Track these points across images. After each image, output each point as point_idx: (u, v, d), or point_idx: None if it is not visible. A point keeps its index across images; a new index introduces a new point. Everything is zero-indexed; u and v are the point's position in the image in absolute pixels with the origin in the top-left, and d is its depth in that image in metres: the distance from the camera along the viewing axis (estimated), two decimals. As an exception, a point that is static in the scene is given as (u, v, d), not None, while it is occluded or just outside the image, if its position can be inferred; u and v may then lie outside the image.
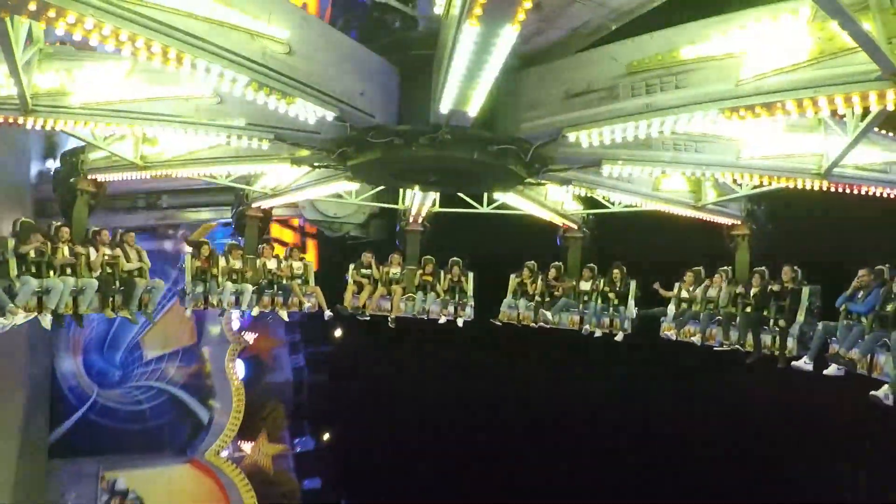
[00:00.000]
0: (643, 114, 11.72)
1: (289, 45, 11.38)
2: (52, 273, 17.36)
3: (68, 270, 17.79)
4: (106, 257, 18.83)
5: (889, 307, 15.17)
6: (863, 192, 15.18)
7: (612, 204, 21.38)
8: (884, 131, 14.28)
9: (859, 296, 15.90)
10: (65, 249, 17.85)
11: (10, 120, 13.97)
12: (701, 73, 11.07)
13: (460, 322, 23.26)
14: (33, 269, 17.08)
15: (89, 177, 19.53)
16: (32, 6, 8.67)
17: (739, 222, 20.72)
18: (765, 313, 18.67)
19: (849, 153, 13.76)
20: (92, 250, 18.58)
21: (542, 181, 17.16)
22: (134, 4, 9.49)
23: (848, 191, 15.23)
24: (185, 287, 21.44)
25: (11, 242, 16.99)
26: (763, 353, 18.70)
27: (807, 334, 17.45)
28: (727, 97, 10.80)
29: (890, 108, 9.92)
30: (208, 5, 10.24)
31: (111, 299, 18.76)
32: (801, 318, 17.95)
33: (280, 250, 24.15)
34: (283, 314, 23.09)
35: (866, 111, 11.21)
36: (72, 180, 19.47)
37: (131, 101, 13.91)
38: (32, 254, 17.09)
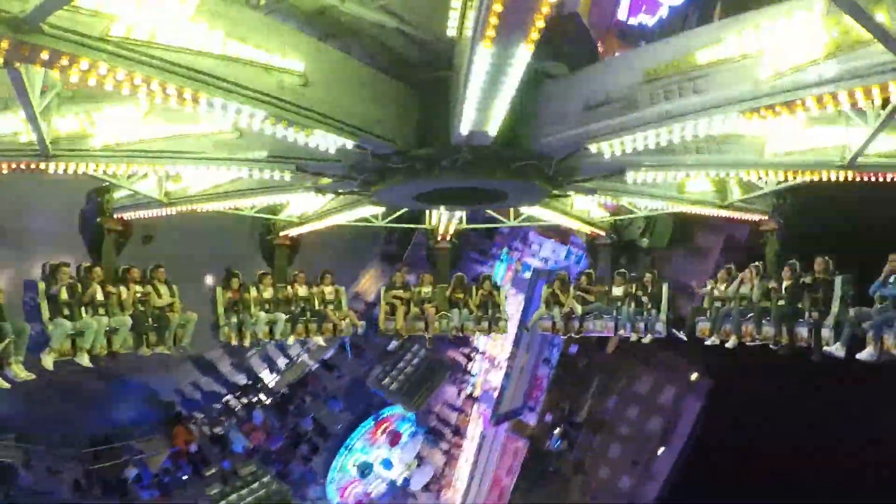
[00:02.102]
0: (663, 121, 11.72)
1: (304, 77, 11.42)
2: (83, 313, 17.27)
3: (101, 310, 17.72)
4: (138, 295, 18.80)
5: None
6: (888, 179, 15.11)
7: (638, 209, 21.35)
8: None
9: (892, 280, 15.81)
10: (97, 289, 17.80)
11: (32, 166, 13.96)
12: (719, 76, 10.99)
13: (494, 337, 23.21)
14: (65, 312, 16.98)
15: (115, 216, 19.62)
16: (45, 55, 8.72)
17: (767, 217, 20.62)
18: (798, 306, 18.50)
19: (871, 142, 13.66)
20: (123, 289, 18.57)
21: (567, 192, 17.14)
22: (146, 47, 9.53)
23: (873, 179, 15.14)
24: (216, 320, 21.26)
25: (42, 286, 16.91)
26: (799, 345, 18.58)
27: (842, 324, 17.29)
28: (747, 98, 10.74)
29: (909, 97, 9.89)
30: (221, 42, 10.29)
31: (145, 337, 18.75)
32: (835, 308, 17.76)
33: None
34: (319, 340, 23.09)
35: (886, 101, 11.10)
36: (98, 220, 19.51)
37: (151, 140, 13.97)
38: (64, 295, 17.03)
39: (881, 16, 8.92)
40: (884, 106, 12.10)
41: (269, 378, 40.82)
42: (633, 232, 23.57)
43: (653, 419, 61.55)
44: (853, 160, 14.15)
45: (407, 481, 47.72)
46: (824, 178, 14.97)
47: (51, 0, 8.08)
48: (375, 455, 45.71)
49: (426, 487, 49.08)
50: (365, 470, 45.13)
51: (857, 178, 14.84)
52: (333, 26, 12.88)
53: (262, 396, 40.09)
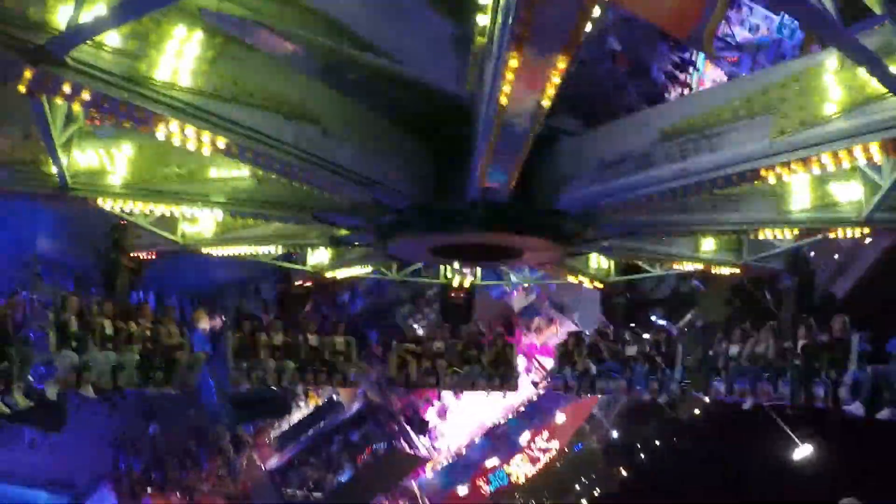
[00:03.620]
0: (679, 179, 11.72)
1: (323, 127, 11.47)
2: (91, 347, 17.00)
3: (109, 345, 17.48)
4: (147, 332, 18.49)
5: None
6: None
7: (652, 268, 21.35)
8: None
9: None
10: (107, 324, 17.61)
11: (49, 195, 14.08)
12: (734, 133, 11.02)
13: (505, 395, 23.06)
14: (73, 344, 16.79)
15: (131, 254, 19.69)
16: (67, 88, 8.79)
17: (782, 274, 20.56)
18: (815, 365, 18.34)
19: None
20: (133, 324, 18.30)
21: (583, 251, 17.13)
22: (168, 88, 9.61)
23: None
24: (227, 364, 21.06)
25: (52, 315, 16.87)
26: (816, 405, 18.41)
27: (860, 382, 17.16)
28: (762, 156, 10.76)
29: (926, 149, 9.88)
30: (242, 88, 10.37)
31: (152, 375, 18.40)
32: (852, 366, 17.63)
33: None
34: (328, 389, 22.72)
35: (902, 154, 11.11)
36: (113, 256, 19.59)
37: (170, 181, 14.14)
38: (74, 327, 16.90)
39: (893, 68, 8.95)
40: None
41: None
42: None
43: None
44: (870, 216, 14.12)
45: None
46: (840, 235, 14.95)
47: (75, 33, 8.18)
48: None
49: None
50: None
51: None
52: (352, 80, 12.93)
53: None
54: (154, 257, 20.02)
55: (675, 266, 20.80)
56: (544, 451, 45.57)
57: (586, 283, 22.79)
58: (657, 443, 47.62)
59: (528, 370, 41.41)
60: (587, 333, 23.63)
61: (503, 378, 22.89)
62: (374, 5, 11.51)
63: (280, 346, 21.40)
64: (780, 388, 18.81)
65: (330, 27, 11.42)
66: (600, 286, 23.10)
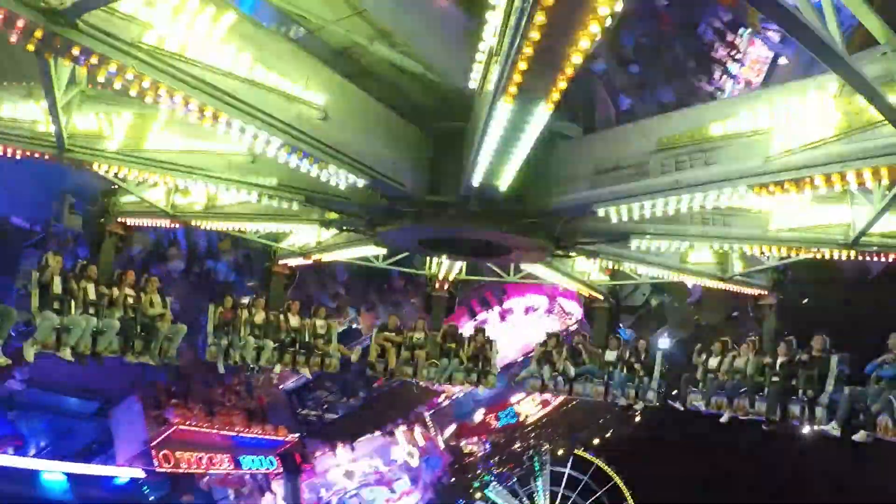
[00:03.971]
0: (672, 190, 11.81)
1: (324, 111, 11.50)
2: (73, 310, 17.18)
3: (91, 310, 17.63)
4: (130, 299, 18.71)
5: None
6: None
7: (639, 276, 21.44)
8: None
9: (888, 361, 15.88)
10: (90, 288, 17.75)
11: (46, 156, 14.22)
12: (730, 149, 11.11)
13: (482, 390, 23.16)
14: (56, 305, 16.92)
15: (119, 220, 19.70)
16: (76, 51, 8.82)
17: (766, 292, 20.70)
18: (793, 383, 18.48)
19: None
20: (115, 290, 18.50)
21: (570, 254, 17.21)
22: (175, 60, 9.64)
23: (875, 259, 15.29)
24: (206, 338, 21.18)
25: (35, 275, 16.94)
26: (791, 422, 18.55)
27: (836, 402, 17.31)
28: (756, 174, 10.84)
29: (918, 178, 10.00)
30: (248, 65, 10.38)
31: (132, 344, 18.60)
32: (829, 387, 17.77)
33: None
34: (306, 372, 22.87)
35: (893, 181, 11.21)
36: (101, 221, 19.63)
37: (166, 151, 14.18)
38: (57, 288, 16.99)
39: (893, 98, 9.06)
40: (890, 187, 12.23)
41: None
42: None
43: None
44: (857, 239, 14.27)
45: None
46: (827, 256, 15.09)
47: None
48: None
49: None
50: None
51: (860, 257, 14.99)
52: (358, 66, 12.97)
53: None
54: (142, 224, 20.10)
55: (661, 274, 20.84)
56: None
57: (570, 286, 22.88)
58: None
59: (549, 311, 41.79)
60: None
61: (481, 373, 22.94)
62: None
63: (260, 325, 21.47)
64: (757, 403, 18.96)
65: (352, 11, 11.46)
66: (584, 290, 23.22)
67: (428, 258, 23.15)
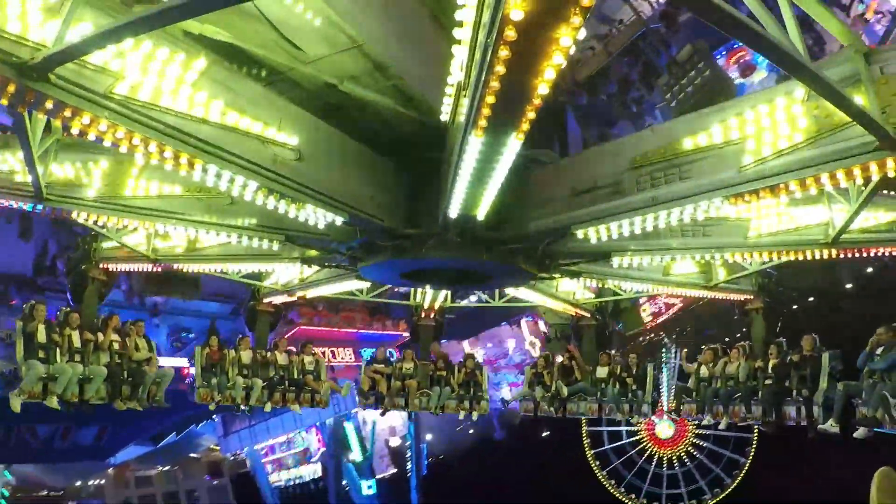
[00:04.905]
0: (649, 207, 11.82)
1: (299, 151, 11.51)
2: (59, 358, 17.01)
3: (77, 357, 17.49)
4: (116, 345, 18.56)
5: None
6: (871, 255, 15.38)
7: (623, 291, 21.49)
8: (885, 192, 14.38)
9: (878, 353, 15.90)
10: (74, 335, 17.60)
11: (25, 206, 14.22)
12: (703, 162, 11.16)
13: (475, 416, 23.07)
14: (41, 354, 16.73)
15: (101, 265, 19.60)
16: (49, 104, 8.74)
17: (752, 297, 20.75)
18: (786, 384, 18.50)
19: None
20: (101, 335, 18.33)
21: (553, 275, 17.20)
22: (148, 109, 9.58)
23: (857, 255, 15.37)
24: (194, 380, 20.97)
25: (20, 324, 16.80)
26: (788, 423, 18.57)
27: (831, 399, 17.33)
28: (731, 184, 10.88)
29: (891, 174, 10.03)
30: (220, 111, 10.36)
31: (120, 389, 18.35)
32: (823, 384, 17.80)
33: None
34: (297, 408, 22.60)
35: (867, 179, 11.28)
36: (83, 267, 19.51)
37: (144, 197, 14.15)
38: (42, 337, 16.82)
39: (860, 99, 9.14)
40: (865, 184, 12.28)
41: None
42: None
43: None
44: (837, 238, 14.35)
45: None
46: (808, 257, 15.14)
47: (62, 52, 8.15)
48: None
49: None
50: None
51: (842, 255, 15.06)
52: (329, 104, 12.96)
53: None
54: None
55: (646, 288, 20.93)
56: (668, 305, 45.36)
57: (556, 306, 22.89)
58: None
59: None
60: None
61: (473, 399, 22.87)
62: (392, 25, 11.60)
63: (248, 364, 21.39)
64: (753, 408, 18.99)
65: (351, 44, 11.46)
66: (570, 309, 23.22)
67: (413, 289, 23.08)
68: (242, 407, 21.34)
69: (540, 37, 6.65)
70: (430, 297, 22.97)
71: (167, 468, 59.23)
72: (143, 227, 15.63)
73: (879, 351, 15.98)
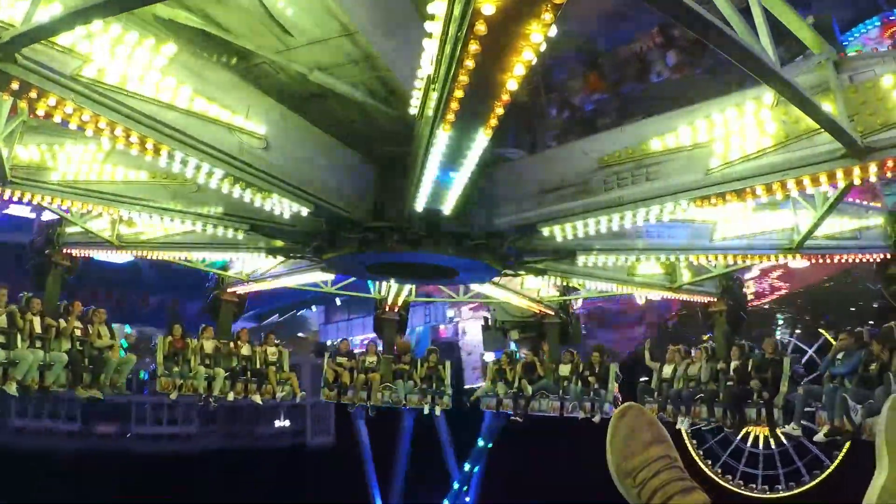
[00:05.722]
0: (616, 206, 11.82)
1: (266, 140, 11.36)
2: (20, 343, 16.89)
3: (38, 343, 17.37)
4: (78, 331, 18.46)
5: (872, 367, 15.31)
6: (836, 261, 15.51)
7: (588, 290, 21.58)
8: (850, 199, 14.52)
9: (839, 357, 16.03)
10: (35, 321, 17.47)
11: None
12: (670, 164, 11.17)
13: (437, 411, 23.08)
14: (1, 339, 16.67)
15: (64, 251, 19.43)
16: (15, 85, 8.57)
17: (716, 299, 20.84)
18: (748, 386, 18.60)
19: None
20: (63, 321, 18.21)
21: (519, 272, 17.21)
22: (115, 92, 9.41)
23: (821, 261, 15.49)
24: (156, 368, 20.83)
25: None
26: (748, 425, 18.73)
27: (791, 403, 17.47)
28: (697, 187, 10.91)
29: (856, 182, 10.12)
30: (188, 97, 10.21)
31: (81, 376, 18.28)
32: (784, 388, 17.96)
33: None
34: (257, 399, 22.50)
35: (834, 185, 11.36)
36: (47, 252, 19.35)
37: (109, 182, 13.97)
38: (3, 322, 16.74)
39: (828, 106, 9.18)
40: (831, 191, 12.37)
41: None
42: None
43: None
44: (801, 243, 14.45)
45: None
46: (773, 262, 15.24)
47: (29, 32, 7.98)
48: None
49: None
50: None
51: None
52: (304, 94, 12.85)
53: None
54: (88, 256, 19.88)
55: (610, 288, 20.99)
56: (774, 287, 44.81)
57: (521, 303, 22.91)
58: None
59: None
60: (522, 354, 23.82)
61: (435, 394, 22.90)
62: (383, 14, 11.52)
63: (211, 354, 21.30)
64: (715, 409, 19.10)
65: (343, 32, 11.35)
66: (534, 307, 23.24)
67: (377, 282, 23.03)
68: (204, 396, 21.20)
69: (510, 32, 6.63)
70: (394, 291, 22.91)
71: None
72: (108, 212, 15.46)
73: (840, 356, 16.12)
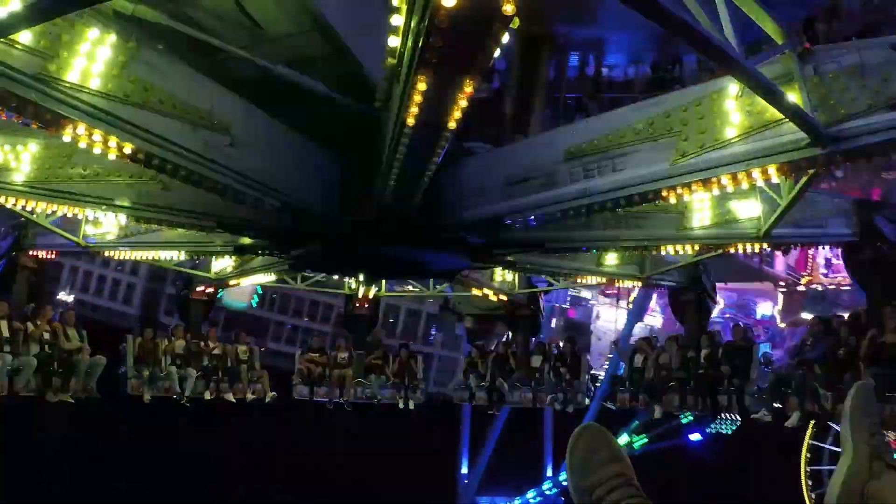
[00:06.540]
0: (583, 198, 11.81)
1: (231, 137, 11.27)
2: None
3: (6, 348, 17.13)
4: (46, 335, 18.16)
5: (840, 352, 15.44)
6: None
7: (557, 280, 21.59)
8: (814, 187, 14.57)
9: (809, 343, 16.16)
10: (3, 325, 17.23)
11: None
12: (637, 155, 11.16)
13: (412, 405, 23.07)
14: None
15: (31, 252, 19.24)
16: None
17: (685, 288, 20.93)
18: (720, 372, 18.69)
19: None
20: (31, 325, 17.99)
21: (487, 265, 17.21)
22: (77, 91, 9.29)
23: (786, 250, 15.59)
24: (126, 370, 20.59)
25: None
26: (720, 412, 18.85)
27: (762, 390, 17.61)
28: (664, 177, 10.91)
29: (821, 171, 10.19)
30: (152, 94, 10.09)
31: (51, 381, 18.08)
32: (754, 374, 18.11)
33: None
34: (230, 398, 22.23)
35: (798, 176, 11.43)
36: (13, 254, 19.16)
37: (74, 182, 13.76)
38: None
39: (793, 96, 9.21)
40: (796, 180, 12.41)
41: None
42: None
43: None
44: (768, 232, 14.49)
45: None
46: (740, 250, 15.31)
47: None
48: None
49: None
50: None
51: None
52: (273, 90, 12.76)
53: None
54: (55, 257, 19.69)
55: (579, 280, 21.05)
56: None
57: (491, 296, 22.93)
58: None
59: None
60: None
61: (408, 388, 22.89)
62: (355, 8, 11.44)
63: (181, 353, 21.17)
64: (687, 398, 19.21)
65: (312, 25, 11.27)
66: (504, 299, 23.26)
67: (346, 278, 22.97)
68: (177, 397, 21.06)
69: (473, 25, 6.61)
70: (364, 287, 22.89)
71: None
72: (73, 213, 15.31)
73: (810, 342, 16.26)
